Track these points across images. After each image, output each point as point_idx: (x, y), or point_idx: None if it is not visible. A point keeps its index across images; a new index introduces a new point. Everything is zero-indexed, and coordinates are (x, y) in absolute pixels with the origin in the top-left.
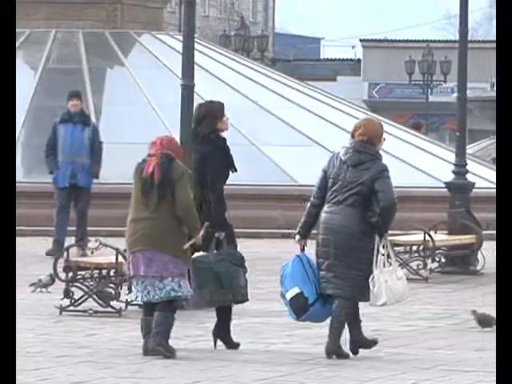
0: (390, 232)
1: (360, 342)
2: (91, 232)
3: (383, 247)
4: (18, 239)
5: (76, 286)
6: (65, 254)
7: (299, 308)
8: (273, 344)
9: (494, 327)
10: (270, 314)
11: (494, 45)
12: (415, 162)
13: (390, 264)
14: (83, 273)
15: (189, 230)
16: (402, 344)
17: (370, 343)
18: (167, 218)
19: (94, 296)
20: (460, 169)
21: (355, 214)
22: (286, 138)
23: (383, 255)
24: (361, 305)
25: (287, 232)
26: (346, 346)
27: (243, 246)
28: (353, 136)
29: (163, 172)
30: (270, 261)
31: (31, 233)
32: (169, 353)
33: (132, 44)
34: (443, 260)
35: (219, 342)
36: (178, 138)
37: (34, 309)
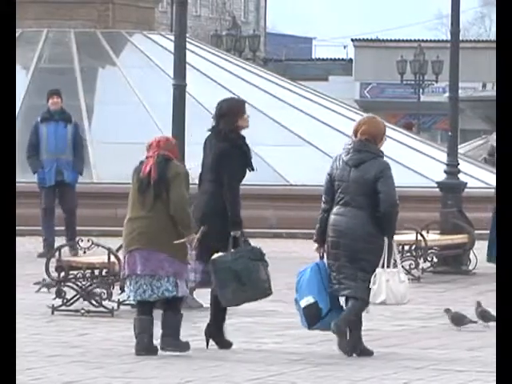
0: None
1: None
2: (83, 232)
3: (389, 248)
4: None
5: (68, 286)
6: (56, 253)
7: (312, 317)
8: (265, 344)
9: (467, 326)
10: (262, 313)
11: (486, 45)
12: (407, 162)
13: (395, 266)
14: (75, 272)
15: (182, 228)
16: (395, 344)
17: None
18: (163, 217)
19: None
20: (452, 168)
21: (362, 215)
22: (277, 137)
23: (390, 256)
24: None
25: (279, 232)
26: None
27: None
28: (355, 134)
29: (160, 171)
30: None
31: (22, 232)
32: (183, 349)
33: (124, 44)
34: (435, 260)
35: (211, 342)
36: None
37: (26, 308)
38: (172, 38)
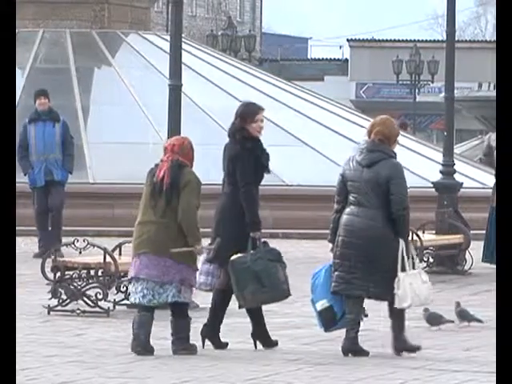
0: None
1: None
2: (79, 232)
3: (406, 250)
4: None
5: (64, 286)
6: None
7: (328, 321)
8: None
9: (443, 326)
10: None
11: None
12: (403, 162)
13: (415, 267)
14: (71, 273)
15: (188, 237)
16: (390, 344)
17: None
18: (173, 224)
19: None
20: (448, 168)
21: (375, 215)
22: (273, 138)
23: (408, 258)
24: None
25: (275, 232)
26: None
27: None
28: (369, 135)
29: (172, 178)
30: None
31: (18, 232)
32: (193, 352)
33: (119, 44)
34: (431, 260)
35: (207, 342)
36: (165, 139)
37: (21, 309)
38: (168, 38)
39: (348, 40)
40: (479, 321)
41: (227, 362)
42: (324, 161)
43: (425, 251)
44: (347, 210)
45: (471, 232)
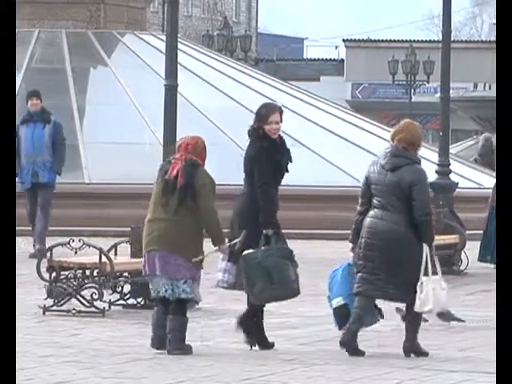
0: None
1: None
2: (75, 232)
3: (430, 255)
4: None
5: (59, 286)
6: (48, 254)
7: (342, 319)
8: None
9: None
10: None
11: (477, 45)
12: None
13: (437, 273)
14: (66, 273)
15: (212, 239)
16: (386, 344)
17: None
18: (184, 222)
19: (78, 296)
20: (443, 169)
21: (399, 219)
22: None
23: (432, 263)
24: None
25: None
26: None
27: None
28: (392, 140)
29: (186, 177)
30: None
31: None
32: (187, 352)
33: (115, 44)
34: None
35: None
36: (161, 139)
37: (17, 309)
38: (163, 38)
39: (344, 40)
40: (460, 320)
41: (223, 362)
42: (320, 161)
43: None
44: (371, 212)
45: (467, 232)
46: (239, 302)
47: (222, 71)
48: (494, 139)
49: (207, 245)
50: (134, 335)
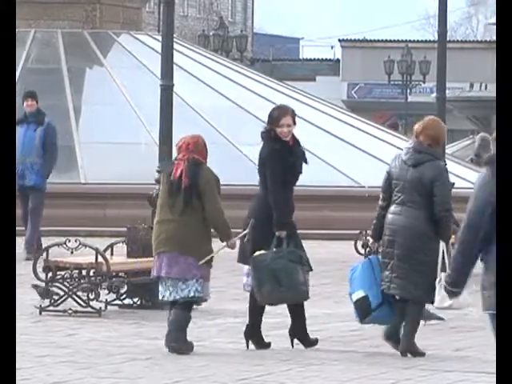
0: (368, 232)
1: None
2: (71, 232)
3: (447, 252)
4: None
5: (56, 286)
6: (44, 254)
7: (362, 311)
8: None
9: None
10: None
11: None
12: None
13: None
14: (63, 273)
15: (220, 236)
16: (383, 343)
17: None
18: (192, 222)
19: (74, 296)
20: None
21: (418, 215)
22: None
23: (448, 259)
24: (338, 304)
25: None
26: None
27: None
28: (417, 136)
29: (191, 177)
30: None
31: None
32: (186, 349)
33: (111, 44)
34: None
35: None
36: (157, 139)
37: None
38: (159, 38)
39: (339, 40)
40: (440, 318)
41: (219, 362)
42: (316, 161)
43: None
44: (391, 208)
45: None
46: (237, 302)
47: (217, 71)
48: (490, 139)
49: (216, 243)
50: (130, 335)
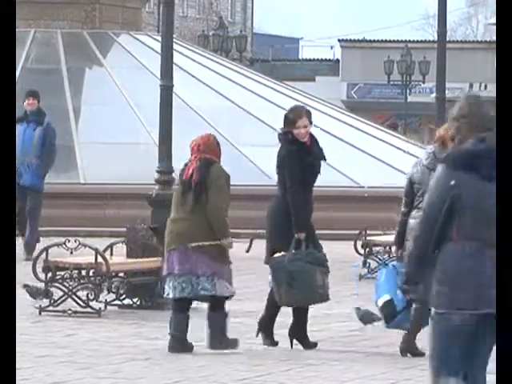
0: (368, 232)
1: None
2: (70, 232)
3: None
4: None
5: (55, 287)
6: (44, 254)
7: (388, 315)
8: (252, 344)
9: (376, 323)
10: (249, 314)
11: (473, 45)
12: (394, 162)
13: None
14: (62, 273)
15: (216, 233)
16: (382, 344)
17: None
18: (202, 219)
19: (74, 296)
20: None
21: None
22: (264, 137)
23: None
24: (338, 304)
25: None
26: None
27: None
28: (436, 141)
29: (201, 175)
30: (248, 261)
31: None
32: (231, 346)
33: (110, 44)
34: None
35: (295, 342)
36: (156, 139)
37: None
38: (159, 38)
39: (339, 40)
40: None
41: (219, 362)
42: None
43: None
44: (413, 213)
45: None
46: (238, 302)
47: (217, 71)
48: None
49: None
50: (129, 335)
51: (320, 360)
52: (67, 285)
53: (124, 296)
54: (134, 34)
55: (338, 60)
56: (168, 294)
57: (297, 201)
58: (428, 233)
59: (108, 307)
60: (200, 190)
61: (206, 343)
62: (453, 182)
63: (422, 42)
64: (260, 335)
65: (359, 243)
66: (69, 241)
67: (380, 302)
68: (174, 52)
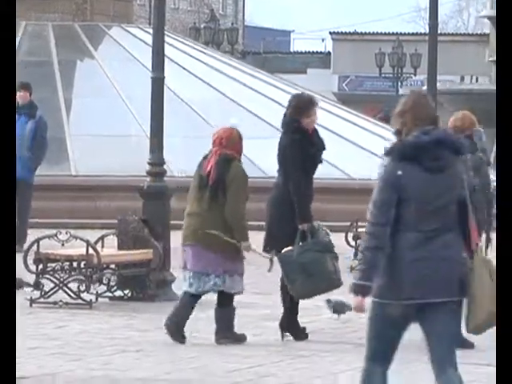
0: (359, 224)
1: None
2: (61, 224)
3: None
4: None
5: (46, 278)
6: (35, 246)
7: None
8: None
9: (348, 313)
10: (240, 305)
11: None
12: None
13: None
14: (53, 265)
15: (236, 236)
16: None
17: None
18: (218, 217)
19: (65, 288)
20: None
21: None
22: (255, 130)
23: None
24: (329, 296)
25: (260, 224)
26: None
27: None
28: (454, 129)
29: (218, 173)
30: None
31: None
32: (238, 341)
33: (102, 37)
34: None
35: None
36: (148, 131)
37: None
38: (150, 30)
39: (330, 33)
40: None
41: (210, 353)
42: None
43: None
44: None
45: None
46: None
47: (208, 64)
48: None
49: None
50: (120, 327)
51: (311, 351)
52: (58, 276)
53: (115, 288)
54: (125, 27)
55: (329, 52)
56: (184, 287)
57: (300, 189)
58: (381, 231)
59: (99, 299)
60: (216, 188)
61: (214, 337)
62: (399, 173)
63: (413, 34)
64: (287, 334)
65: (350, 235)
66: (60, 233)
67: None
68: (166, 44)
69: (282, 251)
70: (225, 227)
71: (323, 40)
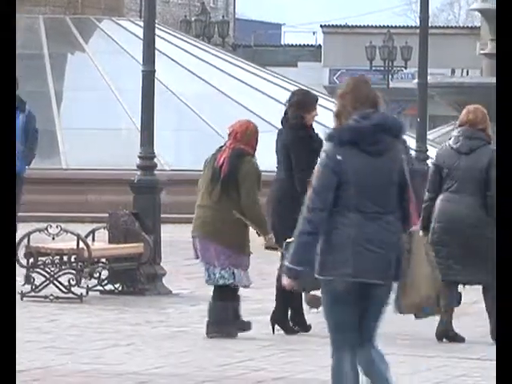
0: None
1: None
2: (52, 218)
3: None
4: None
5: (37, 272)
6: (25, 240)
7: None
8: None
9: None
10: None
11: (455, 31)
12: None
13: None
14: (44, 259)
15: (257, 230)
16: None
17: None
18: (227, 211)
19: (56, 282)
20: (421, 154)
21: (473, 201)
22: None
23: None
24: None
25: None
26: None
27: None
28: (462, 124)
29: (231, 168)
30: None
31: None
32: (229, 335)
33: (93, 30)
34: None
35: (277, 328)
36: (138, 124)
37: None
38: (141, 23)
39: (321, 26)
40: None
41: (201, 348)
42: None
43: None
44: (443, 196)
45: None
46: None
47: (199, 57)
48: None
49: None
50: (111, 321)
51: (302, 345)
52: (49, 270)
53: (106, 281)
54: (116, 20)
55: (320, 46)
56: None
57: (306, 186)
58: (318, 216)
59: (90, 293)
60: (228, 182)
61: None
62: (339, 157)
63: (404, 27)
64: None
65: None
66: (51, 226)
67: None
68: (156, 37)
69: (287, 241)
70: (233, 221)
71: (314, 33)
